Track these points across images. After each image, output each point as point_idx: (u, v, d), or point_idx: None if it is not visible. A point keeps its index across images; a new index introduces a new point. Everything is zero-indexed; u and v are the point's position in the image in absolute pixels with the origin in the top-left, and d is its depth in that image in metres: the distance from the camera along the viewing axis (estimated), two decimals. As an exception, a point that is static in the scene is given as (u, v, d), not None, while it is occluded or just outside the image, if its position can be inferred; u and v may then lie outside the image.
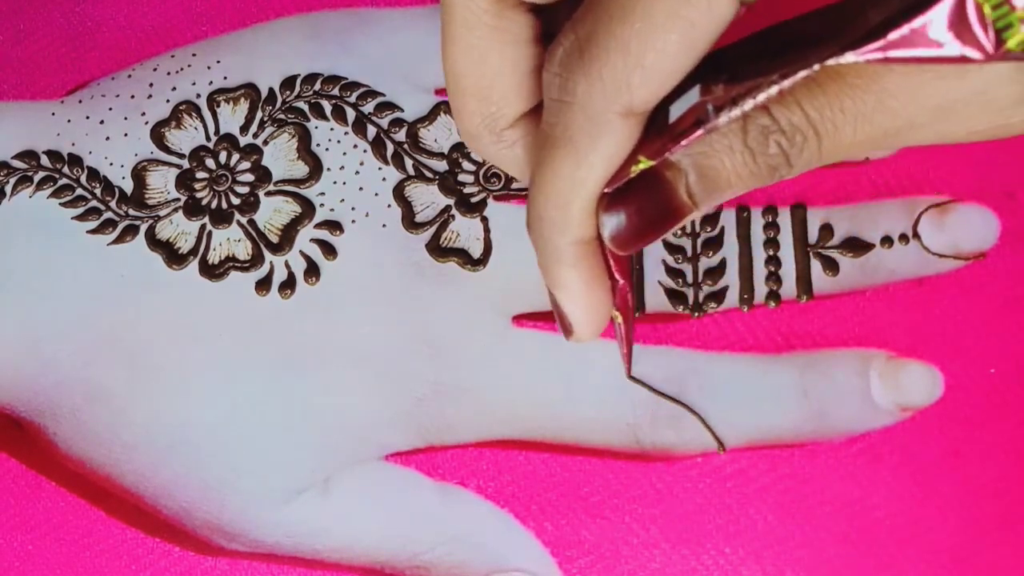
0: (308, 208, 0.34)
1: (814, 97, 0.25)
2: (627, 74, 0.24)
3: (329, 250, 0.34)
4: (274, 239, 0.34)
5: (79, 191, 0.34)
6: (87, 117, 0.34)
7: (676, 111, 0.26)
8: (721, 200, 0.26)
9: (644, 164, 0.25)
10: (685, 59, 0.24)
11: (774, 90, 0.24)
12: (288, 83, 0.35)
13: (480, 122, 0.28)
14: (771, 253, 0.35)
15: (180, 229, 0.34)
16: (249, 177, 0.34)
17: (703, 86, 0.25)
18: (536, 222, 0.27)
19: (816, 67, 0.24)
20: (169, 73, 0.35)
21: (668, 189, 0.26)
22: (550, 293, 0.28)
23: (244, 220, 0.34)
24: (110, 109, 0.35)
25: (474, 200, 0.35)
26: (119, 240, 0.33)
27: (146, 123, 0.34)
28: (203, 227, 0.34)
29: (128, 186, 0.34)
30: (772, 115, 0.25)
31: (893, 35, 0.23)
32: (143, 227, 0.34)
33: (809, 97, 0.25)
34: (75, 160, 0.34)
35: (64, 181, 0.34)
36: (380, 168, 0.35)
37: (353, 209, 0.34)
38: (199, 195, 0.34)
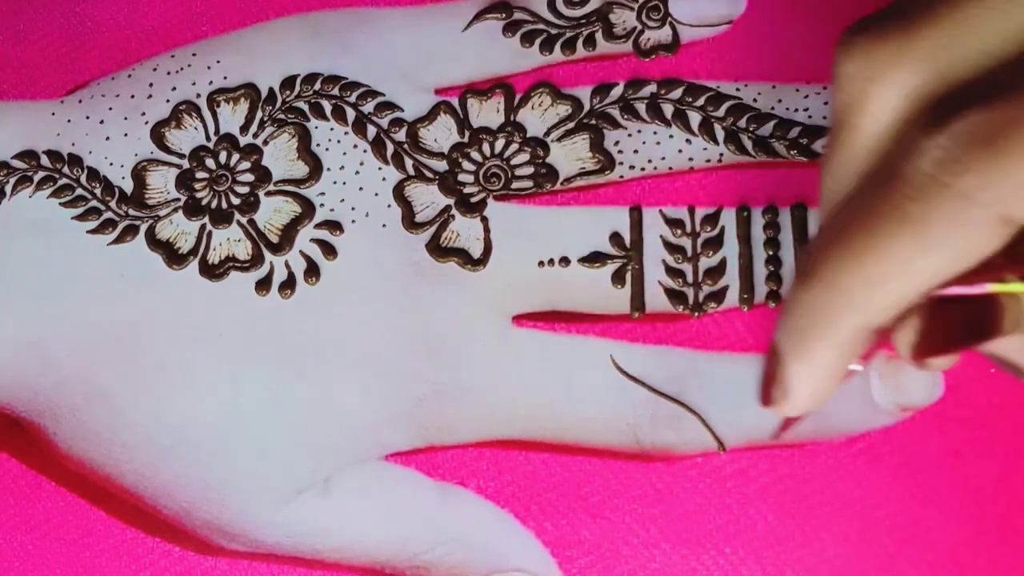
0: (308, 208, 0.34)
1: None
2: None
3: (329, 250, 0.34)
4: (274, 239, 0.34)
5: (79, 191, 0.34)
6: (87, 117, 0.34)
7: None
8: None
9: (1016, 287, 0.22)
10: None
11: None
12: (288, 83, 0.35)
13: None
14: (771, 253, 0.35)
15: (180, 229, 0.34)
16: (249, 177, 0.34)
17: None
18: (823, 287, 0.24)
19: None
20: (169, 73, 0.35)
21: (999, 313, 0.24)
22: (774, 355, 0.25)
23: (244, 220, 0.34)
24: (110, 109, 0.35)
25: (474, 200, 0.35)
26: (119, 240, 0.33)
27: (146, 123, 0.34)
28: (203, 227, 0.34)
29: (128, 186, 0.34)
30: None
31: None
32: (143, 227, 0.34)
33: None
34: (75, 160, 0.34)
35: (64, 181, 0.34)
36: (380, 168, 0.35)
37: (353, 209, 0.34)
38: (199, 195, 0.34)
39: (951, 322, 0.23)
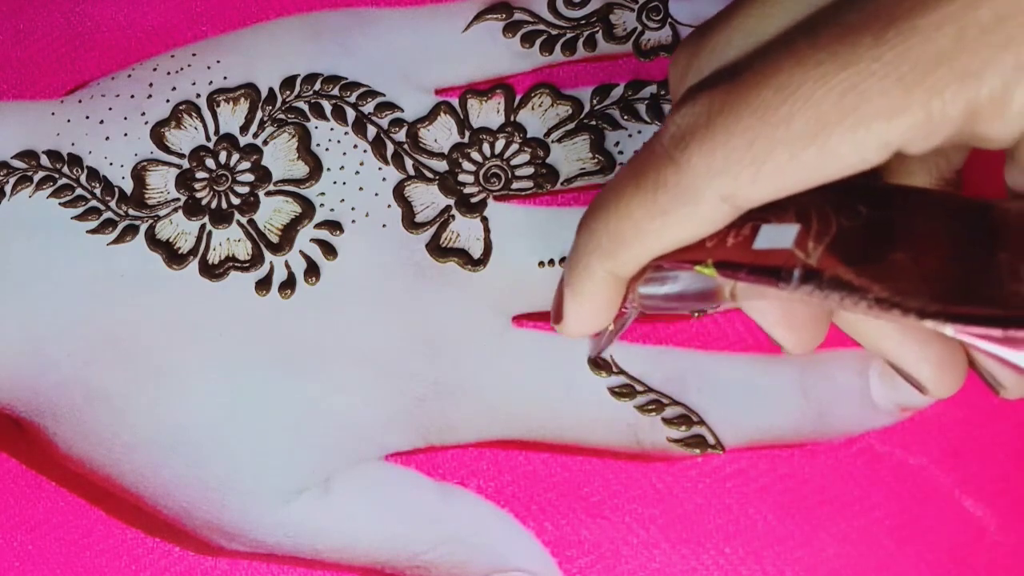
0: (308, 208, 0.34)
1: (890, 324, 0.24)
2: (741, 168, 0.24)
3: (329, 250, 0.34)
4: (274, 239, 0.34)
5: (79, 191, 0.34)
6: (87, 117, 0.34)
7: (767, 236, 0.24)
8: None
9: (708, 271, 0.25)
10: (815, 180, 0.23)
11: (873, 305, 0.23)
12: (288, 83, 0.35)
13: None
14: (771, 253, 0.35)
15: (180, 229, 0.34)
16: (249, 177, 0.34)
17: (803, 228, 0.24)
18: (585, 234, 0.27)
19: (951, 332, 0.22)
20: (169, 73, 0.35)
21: (717, 286, 0.26)
22: (560, 284, 0.28)
23: (244, 220, 0.34)
24: (110, 109, 0.35)
25: (474, 200, 0.35)
26: (119, 240, 0.33)
27: (146, 123, 0.34)
28: (203, 227, 0.34)
29: (128, 186, 0.34)
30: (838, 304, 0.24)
31: None
32: (143, 227, 0.34)
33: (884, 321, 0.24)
34: (75, 160, 0.34)
35: (64, 181, 0.34)
36: (380, 168, 0.35)
37: (353, 209, 0.34)
38: (199, 195, 0.34)
39: (683, 291, 0.26)
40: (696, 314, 0.35)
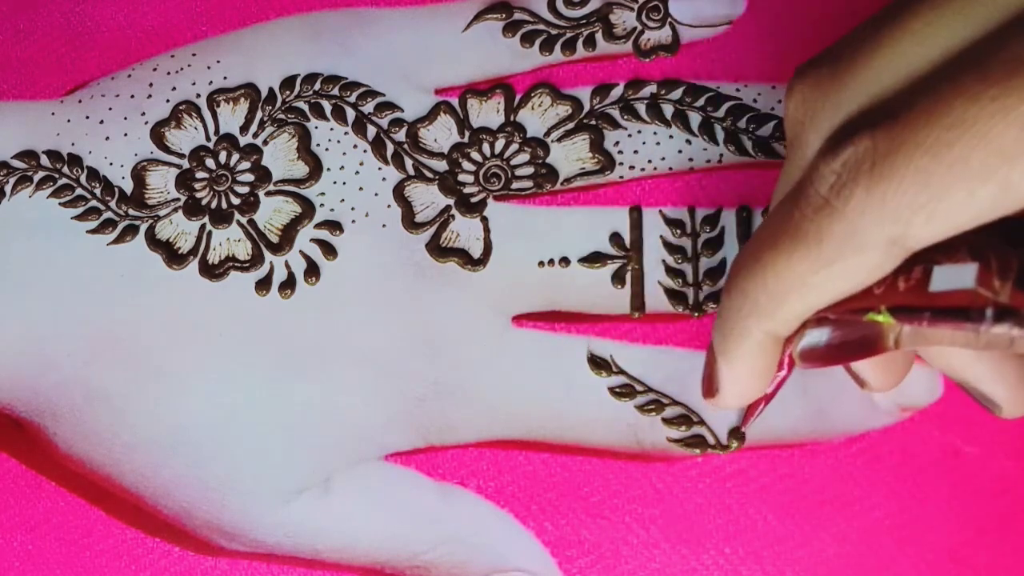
0: (308, 208, 0.34)
1: None
2: (914, 210, 0.23)
3: (329, 250, 0.34)
4: (274, 239, 0.34)
5: (79, 191, 0.34)
6: (87, 117, 0.34)
7: (943, 277, 0.24)
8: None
9: (883, 319, 0.24)
10: (991, 216, 0.23)
11: None
12: (288, 83, 0.35)
13: None
14: (771, 253, 0.35)
15: (180, 229, 0.34)
16: (249, 177, 0.34)
17: (982, 266, 0.23)
18: (737, 294, 0.26)
19: None
20: (169, 73, 0.35)
21: (879, 333, 0.25)
22: (711, 352, 0.28)
23: (244, 220, 0.34)
24: (110, 109, 0.35)
25: (474, 200, 0.35)
26: (119, 240, 0.33)
27: (146, 123, 0.34)
28: (203, 227, 0.34)
29: (128, 186, 0.34)
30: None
31: None
32: (143, 227, 0.34)
33: None
34: (75, 160, 0.34)
35: (64, 181, 0.34)
36: (380, 168, 0.35)
37: (353, 209, 0.34)
38: (199, 195, 0.34)
39: (845, 340, 0.25)
40: (696, 314, 0.35)
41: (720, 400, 0.28)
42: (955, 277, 0.23)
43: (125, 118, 0.34)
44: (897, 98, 0.24)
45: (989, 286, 0.23)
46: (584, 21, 0.36)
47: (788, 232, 0.25)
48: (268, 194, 0.34)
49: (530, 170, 0.35)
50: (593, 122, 0.35)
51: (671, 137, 0.35)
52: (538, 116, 0.35)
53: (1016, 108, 0.22)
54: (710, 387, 0.28)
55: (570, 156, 0.35)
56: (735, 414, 0.34)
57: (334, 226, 0.34)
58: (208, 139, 0.34)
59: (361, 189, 0.34)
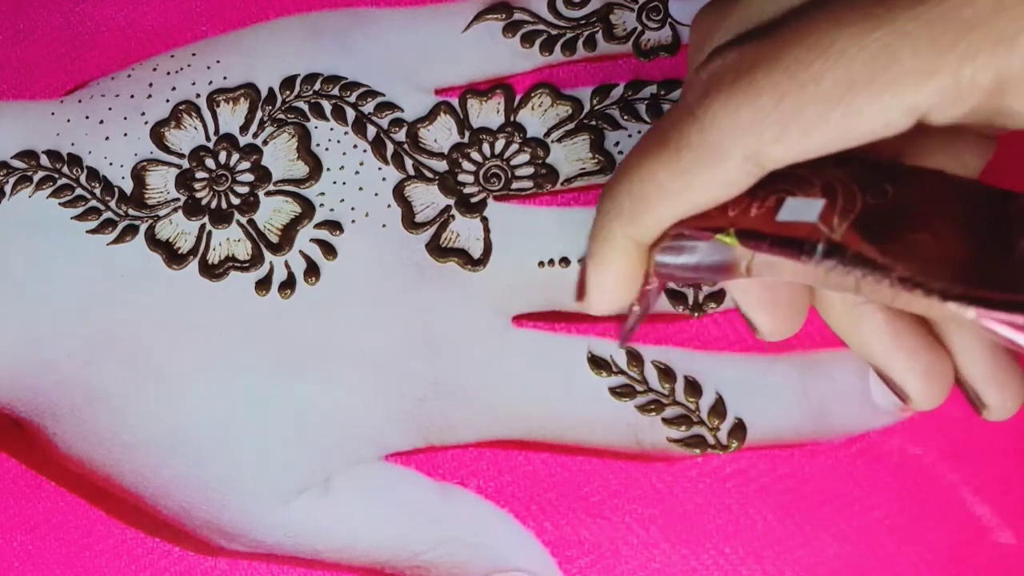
0: (308, 208, 0.34)
1: (912, 305, 0.23)
2: (767, 125, 0.23)
3: (329, 250, 0.34)
4: (274, 239, 0.34)
5: (79, 191, 0.34)
6: (87, 117, 0.34)
7: (791, 208, 0.24)
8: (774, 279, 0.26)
9: (730, 240, 0.24)
10: (841, 143, 0.23)
11: (895, 284, 0.22)
12: (288, 83, 0.35)
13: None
14: (771, 253, 0.35)
15: (180, 229, 0.34)
16: (249, 177, 0.34)
17: (828, 202, 0.24)
18: (608, 199, 0.26)
19: (972, 315, 0.22)
20: (169, 73, 0.35)
21: (732, 260, 0.25)
22: (583, 258, 0.28)
23: (244, 220, 0.34)
24: (110, 109, 0.35)
25: (474, 200, 0.35)
26: (119, 240, 0.33)
27: (146, 123, 0.34)
28: (203, 227, 0.34)
29: (128, 186, 0.34)
30: (858, 284, 0.24)
31: None
32: (143, 227, 0.34)
33: (907, 301, 0.23)
34: (75, 160, 0.34)
35: (64, 181, 0.34)
36: (380, 168, 0.35)
37: (353, 209, 0.34)
38: (199, 195, 0.34)
39: (699, 262, 0.26)
40: (696, 314, 0.35)
41: (587, 304, 0.28)
42: (802, 210, 0.24)
43: (125, 118, 0.34)
44: (775, 21, 0.25)
45: (829, 222, 0.24)
46: (584, 21, 0.36)
47: (656, 139, 0.25)
48: (268, 194, 0.34)
49: (530, 170, 0.35)
50: (593, 122, 0.35)
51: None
52: (538, 116, 0.35)
53: (871, 34, 0.23)
54: (580, 291, 0.28)
55: (570, 156, 0.35)
56: (736, 416, 0.34)
57: (334, 226, 0.34)
58: (208, 139, 0.34)
59: (361, 189, 0.34)
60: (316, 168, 0.34)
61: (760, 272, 0.25)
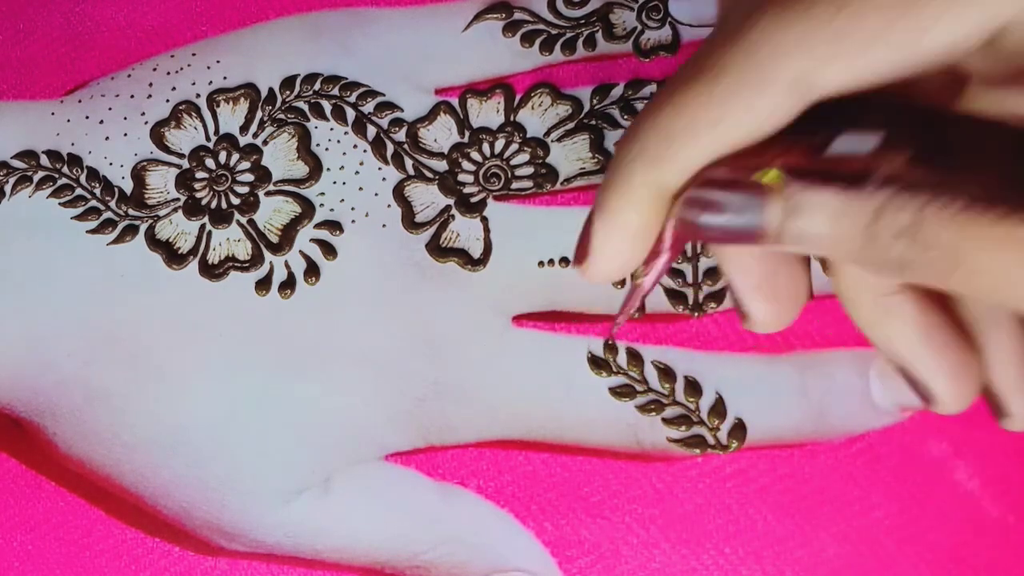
0: (308, 208, 0.34)
1: (986, 236, 0.21)
2: (822, 41, 0.21)
3: (329, 250, 0.34)
4: (274, 239, 0.34)
5: (79, 191, 0.34)
6: (87, 117, 0.34)
7: (844, 143, 0.22)
8: (805, 252, 0.24)
9: (771, 177, 0.22)
10: (903, 65, 0.21)
11: (969, 205, 0.20)
12: (288, 83, 0.35)
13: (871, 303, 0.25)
14: (771, 253, 0.35)
15: (180, 229, 0.34)
16: (249, 177, 0.34)
17: (885, 135, 0.22)
18: (628, 144, 0.23)
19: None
20: (169, 73, 0.35)
21: (762, 228, 0.23)
22: (590, 215, 0.24)
23: (244, 220, 0.34)
24: (110, 109, 0.35)
25: (474, 200, 0.35)
26: (119, 240, 0.33)
27: (146, 123, 0.34)
28: (203, 227, 0.34)
29: (128, 186, 0.34)
30: (919, 218, 0.21)
31: None
32: (143, 227, 0.34)
33: (980, 230, 0.21)
34: (75, 160, 0.34)
35: (64, 181, 0.34)
36: (380, 168, 0.35)
37: (353, 209, 0.34)
38: (199, 195, 0.34)
39: (728, 222, 0.23)
40: (696, 314, 0.35)
41: (590, 265, 0.24)
42: (854, 144, 0.22)
43: (125, 118, 0.34)
44: None
45: (885, 155, 0.22)
46: (584, 21, 0.36)
47: (689, 69, 0.22)
48: (268, 194, 0.34)
49: (530, 170, 0.35)
50: (593, 122, 0.35)
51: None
52: (538, 116, 0.35)
53: None
54: (581, 251, 0.24)
55: (570, 156, 0.35)
56: (736, 416, 0.34)
57: (334, 226, 0.34)
58: (208, 139, 0.34)
59: (361, 189, 0.34)
60: (316, 168, 0.34)
61: (792, 239, 0.23)
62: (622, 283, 0.34)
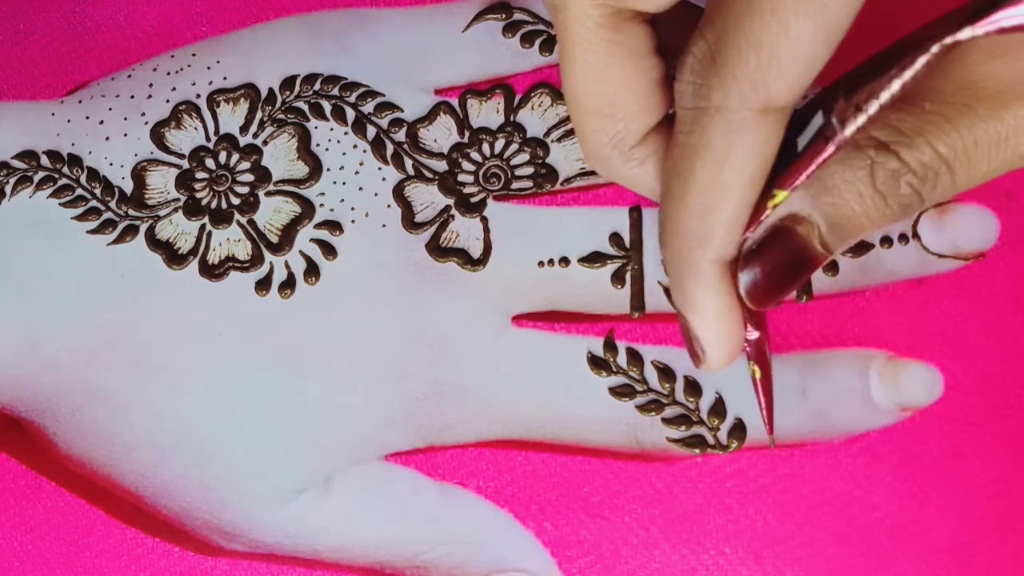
0: (308, 208, 0.34)
1: (944, 134, 0.24)
2: (762, 69, 0.24)
3: (329, 250, 0.34)
4: (274, 239, 0.34)
5: (79, 191, 0.34)
6: (87, 117, 0.34)
7: (805, 134, 0.25)
8: (854, 241, 0.26)
9: (781, 197, 0.25)
10: (821, 47, 0.24)
11: (896, 85, 0.24)
12: (288, 83, 0.35)
13: (607, 142, 0.27)
14: (771, 253, 0.35)
15: (180, 229, 0.34)
16: (249, 177, 0.34)
17: (824, 109, 0.25)
18: (673, 238, 0.26)
19: (935, 49, 0.23)
20: (169, 73, 0.35)
21: (802, 242, 0.25)
22: (681, 317, 0.27)
23: (244, 220, 0.34)
24: (110, 109, 0.35)
25: (474, 200, 0.35)
26: (119, 240, 0.33)
27: (146, 123, 0.34)
28: (203, 227, 0.34)
29: (128, 186, 0.34)
30: (901, 158, 0.24)
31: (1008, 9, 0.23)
32: (143, 227, 0.34)
33: (939, 134, 0.24)
34: (75, 160, 0.34)
35: (64, 181, 0.34)
36: (380, 168, 0.35)
37: (353, 209, 0.34)
38: (199, 195, 0.34)
39: (777, 263, 0.26)
40: None
41: (709, 358, 0.27)
42: (810, 126, 0.25)
43: (125, 118, 0.34)
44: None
45: (830, 111, 0.25)
46: (584, 21, 0.36)
47: (681, 157, 0.25)
48: (268, 194, 0.34)
49: (530, 170, 0.35)
50: (593, 122, 0.35)
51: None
52: (538, 116, 0.35)
53: None
54: (695, 352, 0.28)
55: (570, 156, 0.35)
56: (736, 416, 0.34)
57: (334, 226, 0.34)
58: (208, 139, 0.34)
59: (361, 189, 0.34)
60: (316, 168, 0.34)
61: (834, 239, 0.25)
62: (621, 284, 0.34)
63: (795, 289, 0.26)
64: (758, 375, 0.29)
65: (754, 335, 0.28)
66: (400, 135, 0.35)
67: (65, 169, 0.34)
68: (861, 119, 0.24)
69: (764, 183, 0.25)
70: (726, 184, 0.25)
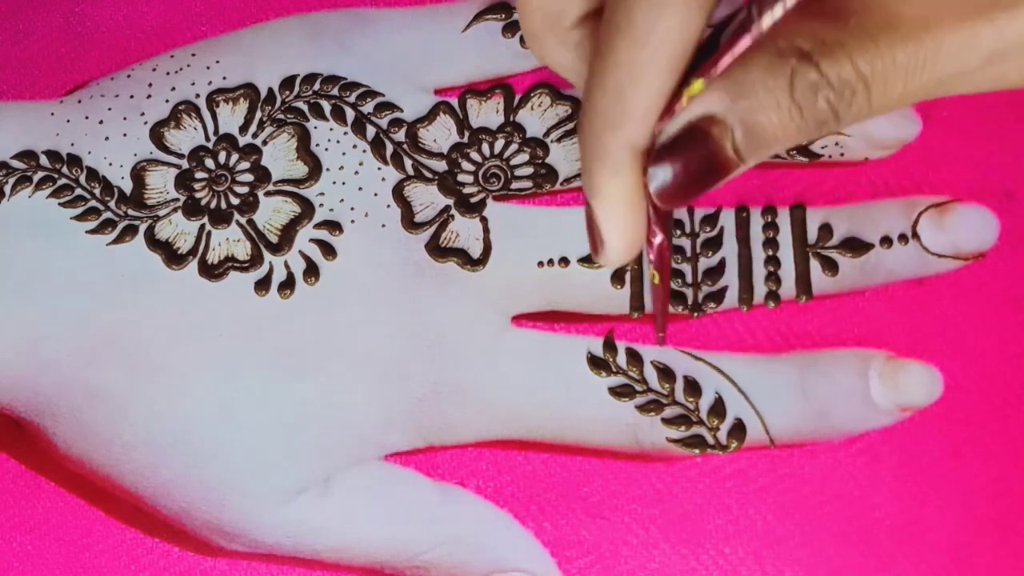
0: (307, 208, 0.34)
1: (865, 50, 0.24)
2: None
3: (328, 250, 0.34)
4: (273, 239, 0.34)
5: (78, 191, 0.34)
6: (86, 117, 0.34)
7: (728, 29, 0.25)
8: (767, 155, 0.25)
9: (697, 86, 0.25)
10: None
11: None
12: (287, 83, 0.35)
13: (543, 21, 0.27)
14: (770, 253, 0.35)
15: (179, 229, 0.34)
16: (248, 177, 0.34)
17: (752, 2, 0.25)
18: (588, 119, 0.26)
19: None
20: (168, 73, 0.35)
21: (715, 144, 0.25)
22: (586, 204, 0.27)
23: (243, 220, 0.34)
24: (109, 109, 0.35)
25: (473, 200, 0.35)
26: (118, 240, 0.33)
27: (145, 123, 0.34)
28: (202, 227, 0.34)
29: (127, 186, 0.34)
30: (820, 70, 0.24)
31: None
32: (142, 227, 0.34)
33: (860, 50, 0.24)
34: (74, 160, 0.34)
35: (63, 181, 0.34)
36: (379, 168, 0.35)
37: (352, 209, 0.34)
38: (198, 195, 0.34)
39: (688, 163, 0.25)
40: (696, 314, 0.35)
41: (608, 248, 0.27)
42: (735, 20, 0.25)
43: (125, 118, 0.34)
44: None
45: (757, 1, 0.25)
46: (584, 21, 0.36)
47: (605, 34, 0.25)
48: (267, 194, 0.34)
49: (530, 170, 0.35)
50: (593, 122, 0.35)
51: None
52: (538, 116, 0.35)
53: None
54: (593, 240, 0.27)
55: (570, 156, 0.35)
56: (736, 416, 0.34)
57: (333, 226, 0.34)
58: (207, 139, 0.34)
59: (360, 189, 0.34)
60: (315, 168, 0.34)
61: (748, 148, 0.25)
62: (621, 284, 0.34)
63: (704, 193, 0.26)
64: (656, 280, 0.28)
65: (658, 238, 0.27)
66: (400, 135, 0.35)
67: (64, 169, 0.34)
68: (778, 10, 0.24)
69: (683, 72, 0.25)
70: (644, 64, 0.25)
